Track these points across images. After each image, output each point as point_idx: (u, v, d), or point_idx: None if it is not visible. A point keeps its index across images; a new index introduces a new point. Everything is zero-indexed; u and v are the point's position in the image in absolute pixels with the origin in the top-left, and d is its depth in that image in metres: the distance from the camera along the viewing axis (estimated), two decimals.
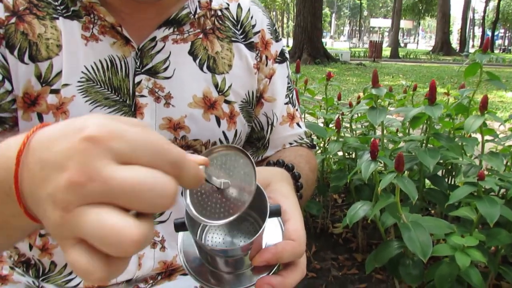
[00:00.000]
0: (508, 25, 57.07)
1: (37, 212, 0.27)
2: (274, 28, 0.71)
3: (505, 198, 1.33)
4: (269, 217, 0.39)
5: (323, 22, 15.14)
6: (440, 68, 15.35)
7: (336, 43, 50.98)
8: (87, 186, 0.24)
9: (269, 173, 0.50)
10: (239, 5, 0.67)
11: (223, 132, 0.64)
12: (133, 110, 0.58)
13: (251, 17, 0.68)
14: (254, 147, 0.74)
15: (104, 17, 0.56)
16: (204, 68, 0.62)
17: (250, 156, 0.36)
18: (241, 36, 0.67)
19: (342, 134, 1.89)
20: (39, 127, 0.28)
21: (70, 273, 0.61)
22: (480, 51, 1.55)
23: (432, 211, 2.11)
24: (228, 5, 0.66)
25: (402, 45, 44.97)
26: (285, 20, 69.36)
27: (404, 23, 50.24)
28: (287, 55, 0.74)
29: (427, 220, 1.23)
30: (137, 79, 0.58)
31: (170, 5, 0.60)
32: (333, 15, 72.21)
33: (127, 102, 0.59)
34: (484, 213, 1.12)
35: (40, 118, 0.55)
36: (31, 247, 0.61)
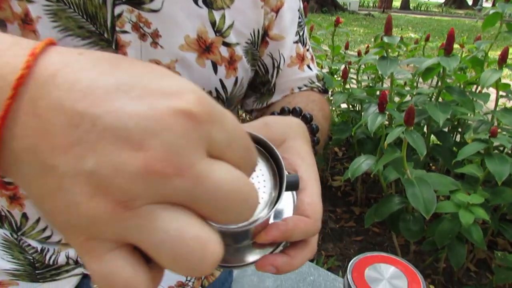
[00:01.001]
0: None
1: (21, 173, 0.19)
2: None
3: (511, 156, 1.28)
4: (286, 190, 0.30)
5: None
6: (451, 22, 14.81)
7: None
8: (171, 182, 0.17)
9: (285, 125, 0.40)
10: None
11: (220, 81, 0.54)
12: (114, 48, 0.48)
13: None
14: (258, 92, 0.65)
15: None
16: (200, 1, 0.51)
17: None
18: None
19: (348, 86, 1.82)
20: (48, 43, 0.19)
21: (45, 229, 0.55)
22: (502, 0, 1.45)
23: (433, 167, 2.08)
24: None
25: None
26: None
27: None
28: None
29: (432, 176, 1.19)
30: (118, 10, 0.47)
31: None
32: None
33: (105, 35, 0.48)
34: (493, 171, 1.08)
35: (4, 26, 0.44)
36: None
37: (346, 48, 2.21)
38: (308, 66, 0.64)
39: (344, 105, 1.98)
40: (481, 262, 1.67)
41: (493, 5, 1.55)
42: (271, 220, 0.33)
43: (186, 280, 0.60)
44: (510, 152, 1.57)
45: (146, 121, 0.17)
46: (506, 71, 1.41)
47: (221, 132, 0.19)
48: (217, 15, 0.52)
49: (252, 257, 0.32)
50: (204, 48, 0.52)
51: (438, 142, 1.64)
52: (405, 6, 21.20)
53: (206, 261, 0.18)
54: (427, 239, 1.32)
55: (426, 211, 1.04)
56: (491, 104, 1.75)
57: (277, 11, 0.58)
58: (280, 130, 0.39)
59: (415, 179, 1.13)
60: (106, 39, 0.48)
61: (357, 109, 1.99)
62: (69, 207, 0.17)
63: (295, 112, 0.49)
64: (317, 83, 0.66)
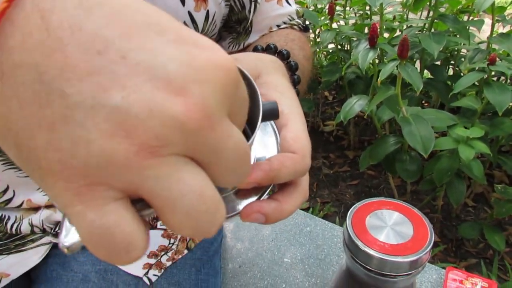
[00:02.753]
0: None
1: (7, 95, 0.15)
2: None
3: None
4: (262, 120, 0.25)
5: None
6: None
7: None
8: (204, 134, 0.16)
9: (258, 61, 0.35)
10: None
11: (189, 13, 0.47)
12: None
13: None
14: (234, 32, 0.58)
15: None
16: None
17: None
18: None
19: (335, 25, 1.70)
20: None
21: (5, 191, 0.48)
22: None
23: (426, 104, 2.02)
24: None
25: None
26: None
27: None
28: None
29: (428, 112, 1.13)
30: None
31: None
32: None
33: None
34: (493, 101, 1.01)
35: None
36: None
37: None
38: (287, 1, 0.57)
39: (332, 46, 1.88)
40: (478, 196, 1.66)
41: None
42: (252, 161, 0.28)
43: (169, 244, 0.54)
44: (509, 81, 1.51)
45: (187, 68, 0.16)
46: None
47: (240, 91, 0.18)
48: None
49: (235, 207, 0.27)
50: None
51: (431, 77, 1.57)
52: None
53: (215, 222, 0.18)
54: (425, 178, 1.28)
55: (424, 150, 0.98)
56: (483, 34, 1.66)
57: None
58: (252, 65, 0.32)
59: (411, 117, 1.06)
60: None
61: (346, 48, 1.89)
62: (77, 144, 0.15)
63: (269, 49, 0.43)
64: (297, 20, 0.60)
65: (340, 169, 1.87)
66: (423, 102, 2.05)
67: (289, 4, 0.59)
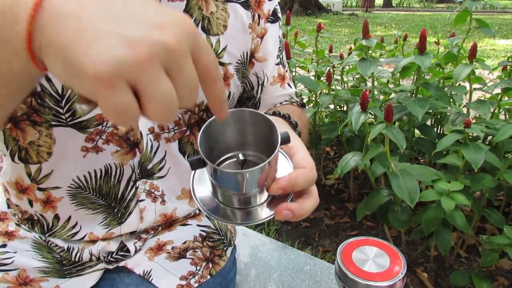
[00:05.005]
0: None
1: (56, 42, 0.27)
2: None
3: (490, 145, 1.37)
4: (281, 144, 0.38)
5: None
6: (433, 16, 15.04)
7: None
8: (175, 55, 0.28)
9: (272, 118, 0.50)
10: None
11: None
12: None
13: None
14: (244, 106, 0.75)
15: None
16: (199, 29, 0.61)
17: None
18: None
19: (333, 87, 1.90)
20: None
21: (74, 226, 0.64)
22: None
23: (422, 160, 2.17)
24: None
25: None
26: None
27: None
28: (280, 15, 0.72)
29: (415, 168, 1.28)
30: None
31: None
32: None
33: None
34: (469, 159, 1.16)
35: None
36: (31, 203, 0.62)
37: (330, 51, 2.30)
38: (289, 85, 0.74)
39: (332, 106, 2.07)
40: (471, 248, 1.75)
41: None
42: (277, 176, 0.42)
43: (196, 269, 0.67)
44: (490, 140, 1.66)
45: (168, 20, 0.29)
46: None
47: (201, 41, 0.31)
48: (213, 40, 0.62)
49: (269, 213, 0.42)
50: None
51: (422, 136, 1.73)
52: (387, 4, 21.47)
53: (173, 114, 0.29)
54: (416, 228, 1.40)
55: (410, 200, 1.12)
56: (475, 95, 1.84)
57: (262, 37, 0.68)
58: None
59: (399, 171, 1.21)
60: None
61: (344, 109, 2.07)
62: (105, 52, 0.26)
63: (275, 114, 0.58)
64: (295, 98, 0.77)
65: (341, 220, 1.99)
66: (419, 159, 2.20)
67: (290, 87, 0.77)
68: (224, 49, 0.63)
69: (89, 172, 0.60)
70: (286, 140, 0.40)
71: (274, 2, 0.70)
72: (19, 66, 0.30)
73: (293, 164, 0.43)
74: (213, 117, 0.39)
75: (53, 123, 0.55)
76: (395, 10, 19.12)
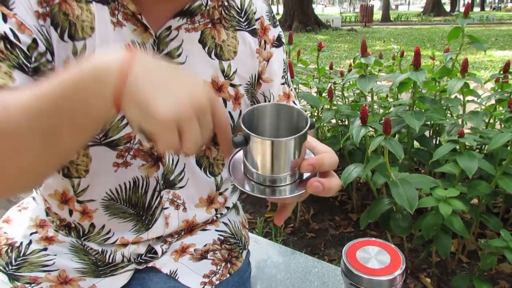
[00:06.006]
0: None
1: (138, 96, 0.42)
2: (272, 15, 0.78)
3: (483, 153, 1.45)
4: (308, 128, 0.48)
5: None
6: (431, 29, 15.26)
7: (327, 8, 50.08)
8: (200, 113, 0.44)
9: None
10: None
11: (229, 112, 0.73)
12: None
13: (253, 5, 0.75)
14: None
15: (127, 5, 0.62)
16: (212, 55, 0.70)
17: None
18: (245, 24, 0.73)
19: (335, 102, 1.99)
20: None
21: (107, 233, 0.72)
22: (461, 15, 1.64)
23: (422, 170, 2.24)
24: None
25: (393, 7, 44.37)
26: None
27: None
28: (284, 40, 0.81)
29: (413, 177, 1.36)
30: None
31: None
32: None
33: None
34: (464, 167, 1.24)
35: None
36: (71, 212, 0.71)
37: (331, 68, 2.40)
38: (294, 102, 0.83)
39: (333, 120, 2.16)
40: (472, 253, 1.82)
41: (469, 5, 1.73)
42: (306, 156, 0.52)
43: (217, 269, 0.76)
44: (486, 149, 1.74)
45: (199, 85, 0.46)
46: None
47: (217, 105, 0.46)
48: (225, 64, 0.72)
49: (301, 189, 0.51)
50: (216, 88, 0.70)
51: (421, 147, 1.81)
52: (385, 18, 21.80)
53: (198, 146, 0.45)
54: (417, 235, 1.47)
55: (410, 207, 1.20)
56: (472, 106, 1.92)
57: (268, 60, 0.77)
58: None
59: (399, 180, 1.29)
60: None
61: (345, 123, 2.16)
62: (170, 104, 0.42)
63: None
64: None
65: (345, 230, 2.06)
66: (419, 168, 2.28)
67: (295, 104, 0.84)
68: (235, 72, 0.72)
69: (119, 185, 0.68)
70: (312, 125, 0.50)
71: (278, 28, 0.79)
72: (105, 112, 0.45)
73: (315, 153, 0.53)
74: (256, 105, 0.52)
75: (89, 143, 0.64)
76: (393, 25, 19.40)
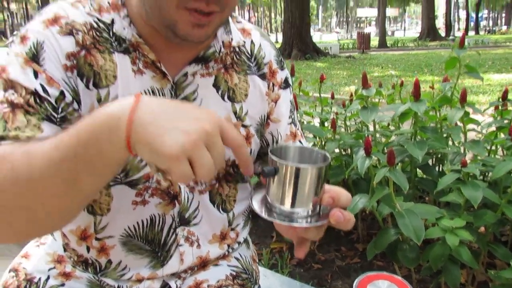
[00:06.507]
0: (491, 5, 57.56)
1: (144, 138, 0.46)
2: (280, 58, 0.83)
3: (487, 181, 1.45)
4: (325, 162, 0.55)
5: (310, 15, 15.14)
6: (428, 54, 15.52)
7: (325, 35, 51.09)
8: (209, 139, 0.47)
9: None
10: (252, 41, 0.79)
11: None
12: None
13: (262, 50, 0.79)
14: (261, 159, 0.86)
15: (147, 54, 0.66)
16: (225, 98, 0.74)
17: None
18: (255, 68, 0.78)
19: (337, 131, 2.02)
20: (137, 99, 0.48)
21: (124, 269, 0.74)
22: (457, 46, 1.68)
23: (427, 198, 2.24)
24: (244, 42, 0.78)
25: (389, 33, 45.29)
26: (272, 15, 69.35)
27: (390, 11, 50.55)
28: (290, 82, 0.85)
29: (419, 207, 1.36)
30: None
31: (199, 45, 0.70)
32: (320, 7, 72.40)
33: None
34: (468, 196, 1.25)
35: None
36: (88, 249, 0.73)
37: (332, 97, 2.44)
38: (300, 141, 0.86)
39: (337, 150, 2.17)
40: (482, 284, 1.79)
41: (464, 35, 1.77)
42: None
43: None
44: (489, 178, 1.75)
45: (202, 113, 0.49)
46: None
47: (227, 127, 0.50)
48: (237, 106, 0.76)
49: (323, 220, 0.56)
50: None
51: (424, 175, 1.82)
52: (382, 44, 22.22)
53: (212, 173, 0.47)
54: (425, 266, 1.46)
55: (417, 238, 1.20)
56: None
57: (275, 101, 0.80)
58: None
59: (404, 211, 1.29)
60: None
61: (348, 152, 2.18)
62: (181, 136, 0.46)
63: None
64: None
65: (352, 260, 2.04)
66: (423, 197, 2.28)
67: (301, 143, 0.87)
68: (246, 113, 0.76)
69: (137, 222, 0.70)
70: (327, 159, 0.57)
71: (285, 71, 0.83)
72: (120, 156, 0.49)
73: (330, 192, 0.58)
74: (280, 144, 0.61)
75: (111, 182, 0.67)
76: (390, 50, 19.74)
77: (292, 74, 2.13)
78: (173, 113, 0.47)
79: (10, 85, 0.59)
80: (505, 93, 1.73)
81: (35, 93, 0.59)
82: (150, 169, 0.66)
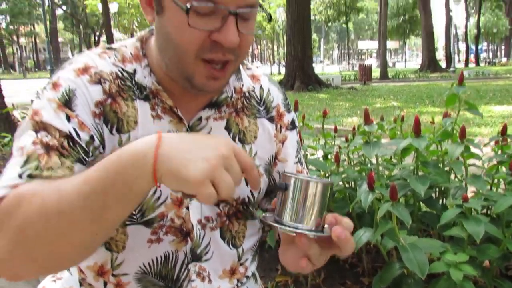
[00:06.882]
0: (490, 38, 58.70)
1: (170, 169, 0.51)
2: (287, 102, 0.88)
3: (489, 216, 1.48)
4: (330, 191, 0.60)
5: (312, 48, 15.45)
6: (429, 86, 15.72)
7: (327, 67, 51.94)
8: (227, 162, 0.53)
9: None
10: (261, 86, 0.85)
11: (250, 191, 0.81)
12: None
13: (270, 95, 0.85)
14: (268, 196, 0.90)
15: (165, 100, 0.72)
16: (236, 140, 0.79)
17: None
18: (264, 111, 0.84)
19: (341, 164, 2.05)
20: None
21: None
22: (456, 84, 1.74)
23: (431, 232, 2.25)
24: (254, 87, 0.84)
25: (390, 65, 46.06)
26: (275, 48, 70.81)
27: (391, 44, 51.57)
28: (297, 123, 0.90)
29: (423, 241, 1.38)
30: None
31: (214, 94, 0.77)
32: (322, 40, 73.98)
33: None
34: (471, 231, 1.27)
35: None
36: (105, 284, 0.75)
37: (335, 131, 2.50)
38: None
39: (340, 183, 2.21)
40: None
41: (462, 74, 1.83)
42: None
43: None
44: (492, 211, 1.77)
45: (219, 143, 0.55)
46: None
47: (234, 163, 0.54)
48: (247, 148, 0.81)
49: (318, 232, 0.60)
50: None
51: (428, 209, 1.84)
52: (384, 76, 22.52)
53: (232, 191, 0.53)
54: None
55: (421, 272, 1.21)
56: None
57: (282, 142, 0.86)
58: None
59: (408, 245, 1.31)
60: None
61: (352, 185, 2.21)
62: (198, 166, 0.51)
63: None
64: None
65: None
66: (427, 230, 2.29)
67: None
68: (255, 154, 0.81)
69: (152, 260, 0.74)
70: (333, 185, 0.63)
71: (292, 113, 0.89)
72: (145, 188, 0.54)
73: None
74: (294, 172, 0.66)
75: (127, 222, 0.71)
76: (391, 82, 20.02)
77: (296, 109, 2.19)
78: (192, 144, 0.52)
79: (43, 127, 0.64)
80: (504, 129, 1.78)
81: (68, 136, 0.64)
82: (182, 196, 0.72)
